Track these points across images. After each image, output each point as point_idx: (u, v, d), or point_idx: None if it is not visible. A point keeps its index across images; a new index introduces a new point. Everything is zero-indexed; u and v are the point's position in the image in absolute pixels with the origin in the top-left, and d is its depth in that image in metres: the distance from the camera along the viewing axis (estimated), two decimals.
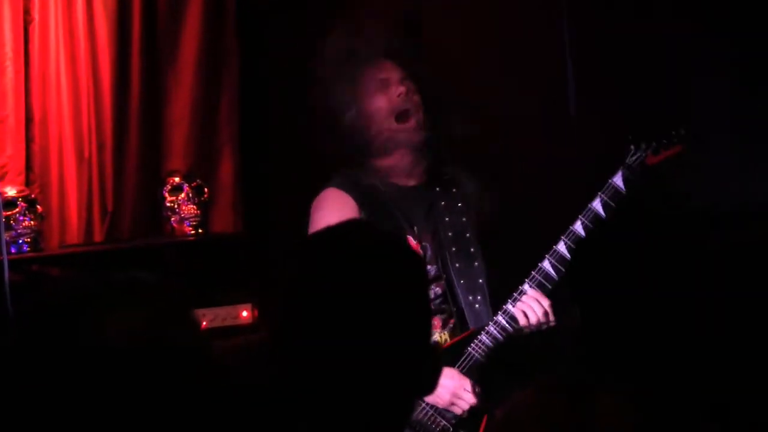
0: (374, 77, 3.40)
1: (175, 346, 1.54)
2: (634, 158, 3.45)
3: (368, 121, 3.40)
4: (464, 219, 3.53)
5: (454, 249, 3.50)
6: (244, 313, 4.70)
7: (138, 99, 4.99)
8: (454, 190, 3.56)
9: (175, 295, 1.59)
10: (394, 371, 1.83)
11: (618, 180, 3.42)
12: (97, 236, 4.96)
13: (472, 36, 4.47)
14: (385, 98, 3.39)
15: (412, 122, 3.42)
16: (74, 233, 4.91)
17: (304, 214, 3.53)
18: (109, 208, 4.98)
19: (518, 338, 3.28)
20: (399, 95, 3.39)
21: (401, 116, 3.42)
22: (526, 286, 3.42)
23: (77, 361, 1.49)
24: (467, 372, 3.41)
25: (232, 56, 5.12)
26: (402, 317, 1.84)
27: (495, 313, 3.46)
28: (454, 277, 3.47)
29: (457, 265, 3.49)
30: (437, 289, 3.48)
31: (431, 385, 1.90)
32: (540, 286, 3.41)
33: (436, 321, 3.47)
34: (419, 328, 1.88)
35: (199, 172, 5.05)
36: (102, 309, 1.53)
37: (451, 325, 3.49)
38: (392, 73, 3.41)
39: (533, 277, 3.43)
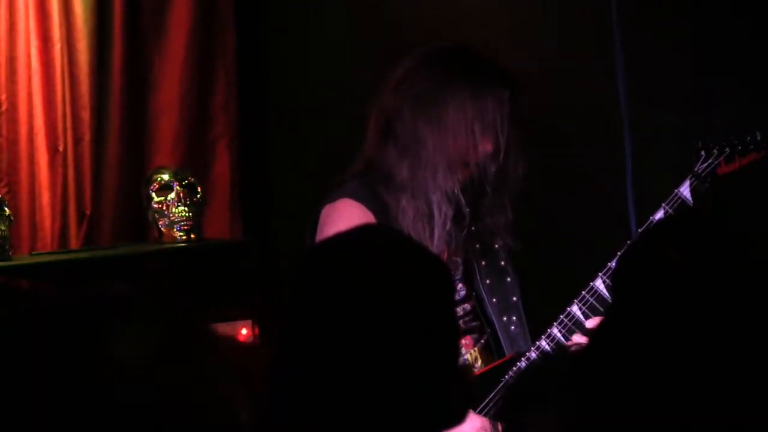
0: (497, 113, 3.25)
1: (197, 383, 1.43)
2: (704, 166, 3.32)
3: (460, 141, 3.23)
4: (486, 226, 3.39)
5: (483, 263, 3.39)
6: (243, 332, 4.61)
7: (120, 84, 4.91)
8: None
9: (184, 315, 1.49)
10: (417, 399, 1.75)
11: (685, 190, 3.29)
12: (74, 242, 4.84)
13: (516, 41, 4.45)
14: (492, 139, 3.23)
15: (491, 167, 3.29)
16: (47, 239, 4.81)
17: (312, 219, 3.34)
18: (87, 210, 4.87)
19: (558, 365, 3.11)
20: (501, 139, 3.24)
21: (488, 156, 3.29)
22: (575, 308, 3.26)
23: (60, 408, 1.37)
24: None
25: (228, 35, 5.04)
26: (427, 335, 1.77)
27: (534, 337, 3.34)
28: (485, 295, 3.38)
29: (488, 281, 3.39)
30: (466, 305, 3.38)
31: (461, 414, 1.83)
32: (592, 309, 3.26)
33: (468, 339, 3.37)
34: (446, 348, 1.81)
35: (191, 169, 4.91)
36: (97, 336, 1.41)
37: (483, 342, 3.37)
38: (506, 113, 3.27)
39: (583, 298, 3.26)
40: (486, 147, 3.22)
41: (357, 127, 3.33)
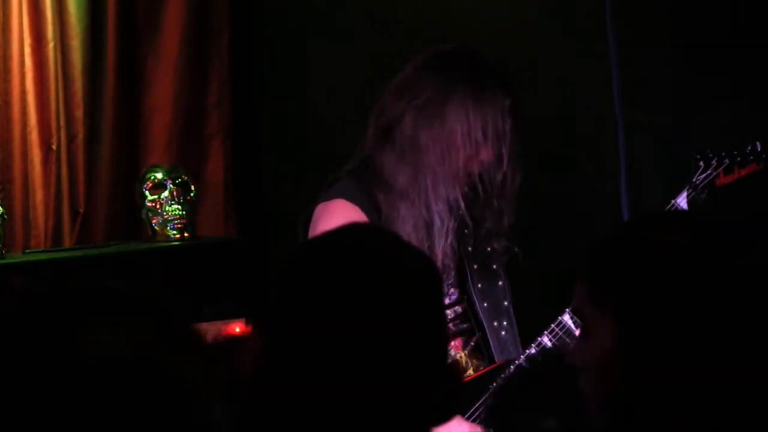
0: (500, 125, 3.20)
1: (171, 376, 1.45)
2: (702, 177, 3.27)
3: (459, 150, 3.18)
4: (484, 231, 3.33)
5: (475, 266, 3.34)
6: (237, 329, 4.53)
7: (114, 83, 4.90)
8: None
9: (171, 312, 1.50)
10: (405, 397, 1.72)
11: (682, 201, 3.25)
12: (67, 241, 4.83)
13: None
14: (494, 147, 3.19)
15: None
16: (41, 237, 4.79)
17: (305, 216, 3.29)
18: (81, 208, 4.86)
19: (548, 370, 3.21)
20: (503, 147, 3.20)
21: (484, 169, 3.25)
22: (566, 317, 3.21)
23: (44, 390, 1.39)
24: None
25: (223, 34, 5.04)
26: (415, 333, 1.74)
27: (524, 343, 3.31)
28: (476, 299, 3.33)
29: (479, 285, 3.34)
30: (457, 308, 3.34)
31: (449, 412, 1.80)
32: None
33: (457, 342, 3.34)
34: (435, 345, 1.78)
35: (185, 167, 4.89)
36: (84, 327, 1.44)
37: (472, 344, 3.34)
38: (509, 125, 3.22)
39: None
40: (487, 155, 3.19)
41: (351, 126, 3.30)
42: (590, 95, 4.28)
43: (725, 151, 3.23)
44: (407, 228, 3.16)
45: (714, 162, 3.25)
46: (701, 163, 3.25)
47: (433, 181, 3.16)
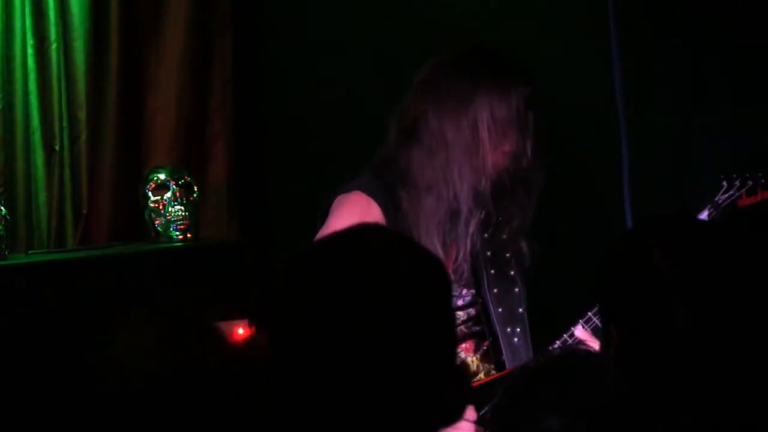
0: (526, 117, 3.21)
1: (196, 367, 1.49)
2: (725, 197, 3.25)
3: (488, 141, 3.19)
4: (504, 237, 3.33)
5: (492, 271, 3.34)
6: (240, 331, 4.48)
7: (117, 84, 4.87)
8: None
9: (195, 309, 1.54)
10: (414, 397, 1.73)
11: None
12: (70, 242, 4.82)
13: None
14: (519, 141, 3.20)
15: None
16: (44, 238, 4.79)
17: (310, 217, 3.31)
18: (84, 209, 4.84)
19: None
20: (527, 141, 3.21)
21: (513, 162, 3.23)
22: (579, 329, 3.20)
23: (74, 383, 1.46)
24: None
25: (226, 34, 5.01)
26: (424, 334, 1.75)
27: (537, 351, 3.29)
28: (491, 304, 3.32)
29: (495, 290, 3.34)
30: (471, 310, 3.34)
31: (457, 412, 1.83)
32: (597, 332, 3.18)
33: (469, 344, 3.35)
34: (443, 346, 1.80)
35: (188, 168, 4.87)
36: (114, 323, 1.49)
37: (484, 348, 3.34)
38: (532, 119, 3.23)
39: (589, 319, 3.20)
40: (512, 146, 3.20)
41: (353, 128, 3.30)
42: (592, 95, 4.27)
43: (749, 173, 3.22)
44: (432, 223, 3.18)
45: (737, 183, 3.24)
46: (724, 183, 3.24)
47: (459, 174, 3.17)
